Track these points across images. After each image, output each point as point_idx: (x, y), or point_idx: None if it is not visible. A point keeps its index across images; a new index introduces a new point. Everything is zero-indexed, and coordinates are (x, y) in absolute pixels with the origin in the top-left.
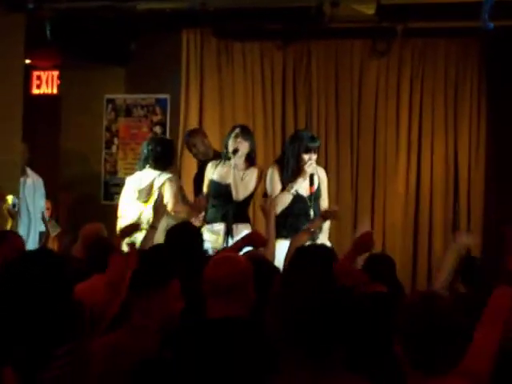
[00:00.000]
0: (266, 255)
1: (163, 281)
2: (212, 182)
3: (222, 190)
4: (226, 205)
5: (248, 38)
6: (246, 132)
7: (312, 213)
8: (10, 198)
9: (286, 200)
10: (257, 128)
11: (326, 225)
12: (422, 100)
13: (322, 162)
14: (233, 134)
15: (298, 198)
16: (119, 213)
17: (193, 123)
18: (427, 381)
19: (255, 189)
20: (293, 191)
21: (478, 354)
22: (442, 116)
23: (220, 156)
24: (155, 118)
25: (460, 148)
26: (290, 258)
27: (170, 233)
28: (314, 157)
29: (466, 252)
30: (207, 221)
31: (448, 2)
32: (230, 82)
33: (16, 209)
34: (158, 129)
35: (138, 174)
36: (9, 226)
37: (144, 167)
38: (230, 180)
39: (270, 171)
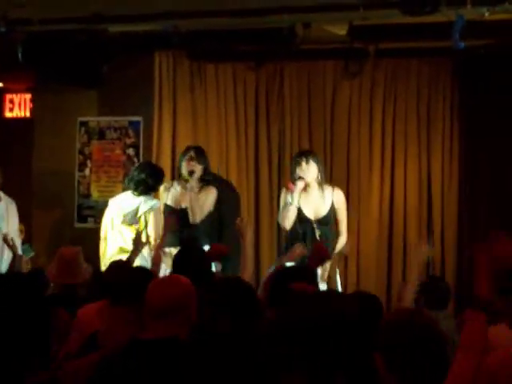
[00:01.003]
0: (243, 276)
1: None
2: (166, 207)
3: (176, 214)
4: (183, 229)
5: (221, 59)
6: (200, 154)
7: (318, 234)
8: None
9: (288, 213)
10: (230, 148)
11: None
12: (394, 120)
13: None
14: (186, 157)
15: (302, 219)
16: (102, 234)
17: (166, 145)
18: None
19: (215, 210)
20: (293, 203)
21: (454, 381)
22: (415, 135)
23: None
24: (128, 141)
25: (433, 166)
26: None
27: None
28: (303, 166)
29: (428, 272)
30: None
31: (419, 23)
32: (203, 103)
33: None
34: (131, 151)
35: (121, 196)
36: None
37: (129, 190)
38: (185, 203)
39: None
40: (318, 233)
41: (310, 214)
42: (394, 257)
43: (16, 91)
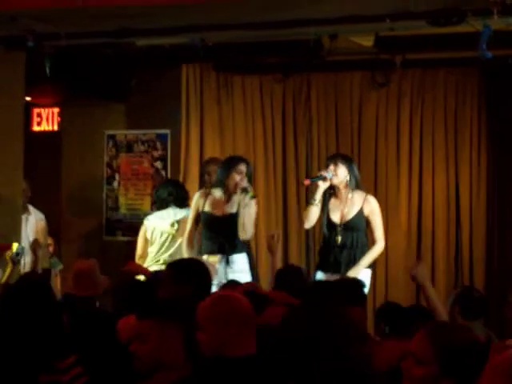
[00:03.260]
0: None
1: None
2: (204, 213)
3: (216, 222)
4: (220, 236)
5: (247, 71)
6: (249, 167)
7: (341, 240)
8: (15, 246)
9: (308, 213)
10: (258, 160)
11: (374, 254)
12: (422, 130)
13: None
14: (237, 170)
15: (329, 223)
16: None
17: (194, 157)
18: None
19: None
20: (311, 201)
21: None
22: (443, 145)
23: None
24: (156, 153)
25: (461, 176)
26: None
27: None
28: (331, 168)
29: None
30: (203, 253)
31: (446, 33)
32: (230, 115)
33: (19, 257)
34: (159, 164)
35: (158, 213)
36: (7, 273)
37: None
38: (227, 212)
39: None
40: (339, 239)
41: (337, 218)
42: None
43: (44, 105)
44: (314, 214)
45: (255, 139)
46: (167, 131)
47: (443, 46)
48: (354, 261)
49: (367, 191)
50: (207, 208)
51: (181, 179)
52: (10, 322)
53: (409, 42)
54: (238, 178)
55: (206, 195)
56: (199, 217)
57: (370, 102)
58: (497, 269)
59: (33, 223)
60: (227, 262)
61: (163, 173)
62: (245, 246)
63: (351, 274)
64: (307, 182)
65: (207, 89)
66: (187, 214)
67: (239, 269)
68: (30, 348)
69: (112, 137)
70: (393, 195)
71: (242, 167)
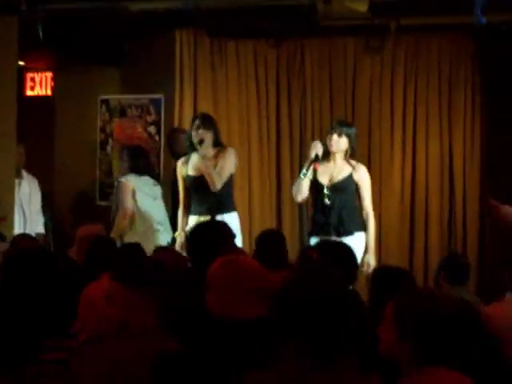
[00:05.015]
0: None
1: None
2: (188, 177)
3: (198, 183)
4: (208, 197)
5: (241, 36)
6: (207, 122)
7: (328, 202)
8: None
9: (300, 187)
10: (252, 125)
11: (372, 232)
12: (416, 96)
13: None
14: (194, 126)
15: (316, 185)
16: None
17: (187, 122)
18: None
19: (231, 174)
20: (301, 175)
21: None
22: (437, 112)
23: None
24: (149, 118)
25: (455, 143)
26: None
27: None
28: (334, 137)
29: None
30: (192, 214)
31: None
32: (224, 81)
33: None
34: (152, 129)
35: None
36: None
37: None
38: (201, 171)
39: None
40: (326, 200)
41: (325, 180)
42: (416, 235)
43: (37, 70)
44: (305, 186)
45: (249, 104)
46: (161, 96)
47: (438, 11)
48: (342, 222)
49: (360, 157)
50: (189, 172)
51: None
52: (13, 288)
53: (403, 6)
54: (194, 134)
55: (187, 161)
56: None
57: (364, 68)
58: (490, 235)
59: (25, 188)
60: None
61: (157, 138)
62: (234, 206)
63: (367, 260)
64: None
65: (201, 54)
66: None
67: None
68: (36, 313)
69: (105, 101)
70: (386, 163)
71: (196, 122)
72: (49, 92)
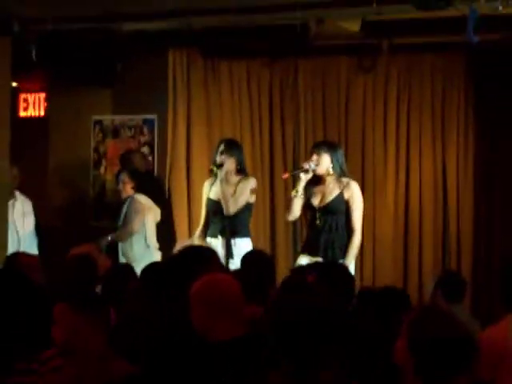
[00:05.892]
0: None
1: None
2: (208, 200)
3: (216, 207)
4: (223, 220)
5: (234, 56)
6: (230, 147)
7: (320, 223)
8: None
9: (293, 207)
10: (245, 145)
11: (354, 250)
12: (409, 115)
13: None
14: (219, 150)
15: (309, 208)
16: None
17: (181, 142)
18: None
19: (248, 201)
20: (293, 193)
21: None
22: (430, 130)
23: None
24: (143, 139)
25: (448, 161)
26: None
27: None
28: (314, 157)
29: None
30: (207, 236)
31: (433, 17)
32: (217, 100)
33: None
34: (145, 149)
35: None
36: None
37: None
38: (219, 195)
39: None
40: (317, 221)
41: (317, 201)
42: (410, 251)
43: (30, 90)
44: (296, 206)
45: (242, 124)
46: (154, 116)
47: (430, 30)
48: (332, 244)
49: (354, 175)
50: (210, 195)
51: (167, 165)
52: None
53: (396, 26)
54: (217, 158)
55: (212, 183)
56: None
57: (357, 87)
58: (484, 250)
59: (19, 209)
60: (228, 246)
61: (150, 158)
62: (249, 232)
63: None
64: (286, 175)
65: (194, 74)
66: None
67: (239, 253)
68: (8, 337)
69: (99, 122)
70: (380, 180)
71: (220, 147)
72: (42, 113)
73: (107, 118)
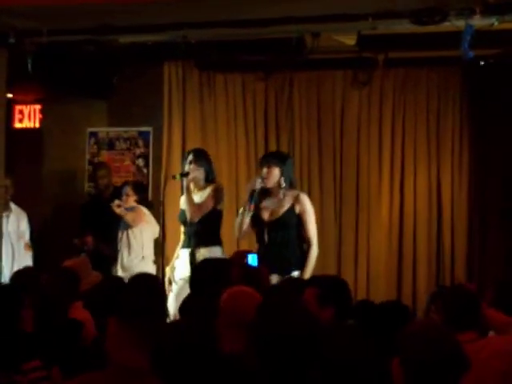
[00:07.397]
0: None
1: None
2: (180, 210)
3: (184, 216)
4: (189, 229)
5: (230, 69)
6: (199, 157)
7: (266, 238)
8: None
9: (238, 223)
10: (240, 158)
11: (312, 263)
12: (404, 129)
13: (306, 190)
14: (188, 159)
15: (257, 223)
16: None
17: (176, 155)
18: None
19: (214, 208)
20: (241, 211)
21: None
22: (425, 144)
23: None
24: (138, 151)
25: (443, 176)
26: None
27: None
28: (264, 171)
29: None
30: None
31: (428, 32)
32: (213, 113)
33: None
34: (140, 161)
35: None
36: None
37: None
38: (185, 205)
39: None
40: (266, 237)
41: (266, 216)
42: (404, 264)
43: (25, 102)
44: (244, 222)
45: (237, 137)
46: (149, 129)
47: (426, 45)
48: (282, 259)
49: (349, 189)
50: (181, 205)
51: (162, 177)
52: None
53: (391, 40)
54: (186, 167)
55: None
56: None
57: (353, 101)
58: (478, 266)
59: (13, 221)
60: (192, 255)
61: (145, 170)
62: (217, 240)
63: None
64: (252, 206)
65: (189, 87)
66: None
67: None
68: None
69: (94, 134)
70: (375, 193)
71: (189, 157)
72: (37, 124)
73: (102, 130)
